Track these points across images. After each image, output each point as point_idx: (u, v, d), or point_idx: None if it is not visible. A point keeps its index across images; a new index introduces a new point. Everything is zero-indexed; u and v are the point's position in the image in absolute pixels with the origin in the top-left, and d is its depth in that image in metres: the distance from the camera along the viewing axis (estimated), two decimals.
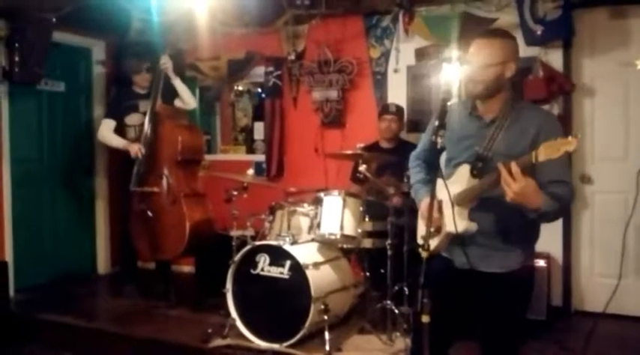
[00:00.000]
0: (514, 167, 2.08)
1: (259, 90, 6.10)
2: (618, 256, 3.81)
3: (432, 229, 2.28)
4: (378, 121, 4.78)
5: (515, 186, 2.08)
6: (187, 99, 5.12)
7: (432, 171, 2.68)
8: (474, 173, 2.33)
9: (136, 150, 4.86)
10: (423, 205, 2.52)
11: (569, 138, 2.00)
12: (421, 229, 2.62)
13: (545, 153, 2.03)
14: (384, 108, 4.80)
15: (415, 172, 2.77)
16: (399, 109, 4.76)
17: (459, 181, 2.38)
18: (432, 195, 2.21)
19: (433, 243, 2.41)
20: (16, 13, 4.95)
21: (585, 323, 4.11)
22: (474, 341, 2.52)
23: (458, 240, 2.38)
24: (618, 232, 4.03)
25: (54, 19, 5.05)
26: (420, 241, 2.58)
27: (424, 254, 2.10)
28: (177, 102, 5.15)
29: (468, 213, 2.35)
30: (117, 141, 5.06)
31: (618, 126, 4.55)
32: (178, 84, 5.07)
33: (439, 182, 2.30)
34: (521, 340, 2.58)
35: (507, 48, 2.36)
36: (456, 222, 2.29)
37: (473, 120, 2.44)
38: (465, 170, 2.38)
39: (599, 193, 4.64)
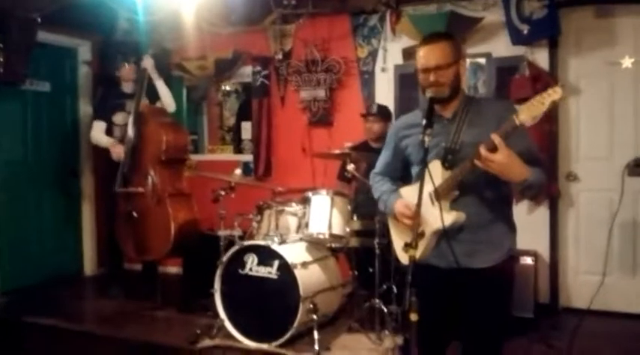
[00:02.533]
0: (496, 138, 2.10)
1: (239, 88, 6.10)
2: (603, 254, 3.84)
3: (418, 231, 2.25)
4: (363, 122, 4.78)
5: (499, 156, 2.11)
6: (167, 101, 5.10)
7: (397, 182, 2.69)
8: (446, 165, 2.35)
9: (117, 152, 4.85)
10: (399, 205, 2.49)
11: (553, 88, 2.01)
12: (398, 243, 2.61)
13: (527, 112, 2.05)
14: (367, 110, 4.78)
15: (379, 185, 2.74)
16: (380, 110, 4.71)
17: (433, 178, 2.34)
18: (421, 190, 2.19)
19: (421, 246, 2.39)
20: (0, 12, 4.90)
21: (572, 320, 4.14)
22: (456, 339, 2.54)
23: (443, 238, 2.37)
24: (603, 230, 4.07)
25: (39, 19, 5.00)
26: (399, 251, 2.58)
27: (412, 251, 2.09)
28: (159, 104, 5.14)
29: (450, 205, 2.36)
30: (105, 141, 5.05)
31: (604, 125, 4.58)
32: (160, 85, 5.05)
33: (406, 193, 2.36)
34: (506, 335, 2.59)
35: (454, 47, 2.41)
36: (439, 218, 2.29)
37: (434, 122, 2.41)
38: (436, 165, 2.37)
39: (585, 191, 4.67)
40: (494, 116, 2.33)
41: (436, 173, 2.34)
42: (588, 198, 4.66)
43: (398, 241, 2.63)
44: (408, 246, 2.11)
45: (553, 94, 2.01)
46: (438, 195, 2.32)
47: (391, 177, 2.73)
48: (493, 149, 2.12)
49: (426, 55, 2.38)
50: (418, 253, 2.20)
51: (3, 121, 5.31)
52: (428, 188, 2.30)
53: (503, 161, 2.12)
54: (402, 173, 2.69)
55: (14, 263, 5.33)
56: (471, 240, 2.38)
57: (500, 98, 4.47)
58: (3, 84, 5.11)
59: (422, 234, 2.33)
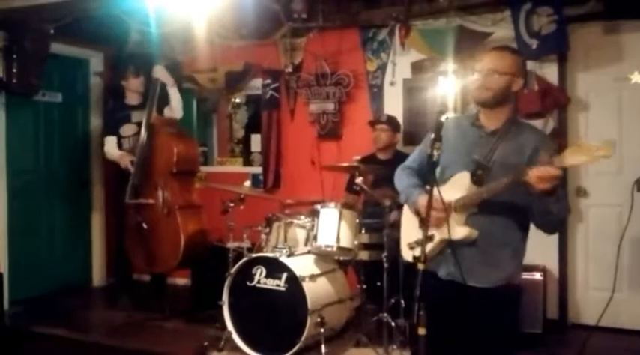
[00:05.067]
0: (543, 172, 2.09)
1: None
2: (612, 269, 3.81)
3: (427, 234, 2.25)
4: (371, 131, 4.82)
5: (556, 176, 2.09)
6: (177, 107, 5.12)
7: (425, 180, 2.63)
8: (474, 179, 2.36)
9: (126, 162, 4.87)
10: (422, 201, 2.45)
11: (603, 144, 2.00)
12: (405, 238, 2.62)
13: (572, 158, 2.04)
14: (376, 118, 4.84)
15: (405, 177, 2.71)
16: (390, 119, 4.76)
17: (457, 188, 2.39)
18: (430, 199, 2.22)
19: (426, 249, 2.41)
20: (15, 23, 4.97)
21: (580, 336, 4.11)
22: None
23: (449, 250, 2.39)
24: (613, 245, 4.04)
25: (52, 30, 5.07)
26: (404, 248, 2.59)
27: (420, 266, 2.10)
28: (166, 112, 5.15)
29: (465, 220, 2.37)
30: (116, 155, 5.07)
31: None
32: (174, 92, 5.08)
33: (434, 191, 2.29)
34: (511, 353, 2.57)
35: (517, 63, 2.45)
36: (452, 228, 2.30)
37: (474, 130, 2.48)
38: (463, 177, 2.39)
39: (594, 207, 4.66)
40: (531, 144, 2.37)
41: (463, 184, 2.38)
42: (597, 213, 4.64)
43: (405, 237, 2.65)
44: (416, 260, 2.13)
45: (598, 151, 1.99)
46: (459, 206, 2.34)
47: (418, 172, 2.70)
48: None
49: (485, 59, 2.44)
50: (413, 254, 2.20)
51: (16, 131, 5.37)
52: (450, 195, 2.33)
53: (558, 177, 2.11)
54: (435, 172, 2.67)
55: (24, 272, 5.37)
56: (474, 259, 2.38)
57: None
58: (16, 94, 5.18)
59: (430, 238, 2.34)
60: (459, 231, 2.34)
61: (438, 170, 2.52)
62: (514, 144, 2.38)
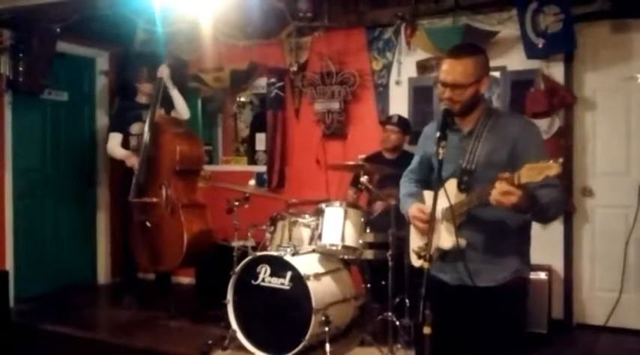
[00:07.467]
0: (505, 187, 2.05)
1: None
2: (619, 270, 3.80)
3: (427, 240, 2.23)
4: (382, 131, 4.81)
5: (514, 199, 2.06)
6: (181, 109, 5.14)
7: (424, 185, 2.65)
8: (461, 187, 2.33)
9: (133, 162, 4.88)
10: (414, 209, 2.48)
11: (551, 162, 1.97)
12: (415, 240, 2.61)
13: (527, 175, 2.01)
14: (387, 119, 4.82)
15: (404, 186, 2.74)
16: (400, 121, 4.75)
17: (446, 196, 2.29)
18: (434, 205, 2.19)
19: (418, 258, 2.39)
20: (22, 22, 4.99)
21: (586, 337, 4.10)
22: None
23: (451, 256, 2.37)
24: (619, 246, 4.03)
25: (58, 29, 5.09)
26: (412, 254, 2.58)
27: (426, 264, 2.08)
28: (174, 113, 5.18)
29: (455, 229, 2.31)
30: (121, 154, 5.08)
31: (620, 140, 4.54)
32: (175, 94, 5.09)
33: (430, 196, 2.27)
34: (520, 353, 2.55)
35: (479, 64, 2.34)
36: (443, 238, 2.30)
37: (452, 133, 2.40)
38: (452, 184, 2.34)
39: (601, 207, 4.63)
40: (512, 134, 2.32)
41: (451, 193, 2.31)
42: (604, 213, 4.61)
43: (413, 243, 2.62)
44: (421, 258, 2.11)
45: (549, 169, 1.96)
46: (449, 215, 2.30)
47: (417, 179, 2.71)
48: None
49: (447, 70, 2.33)
50: (420, 263, 2.19)
51: (22, 130, 5.39)
52: (442, 203, 2.27)
53: (516, 203, 2.06)
54: (428, 177, 2.64)
55: (29, 270, 5.39)
56: (477, 260, 2.36)
57: (519, 114, 4.38)
58: (23, 93, 5.20)
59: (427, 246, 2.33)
60: (448, 240, 2.31)
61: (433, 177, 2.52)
62: (494, 140, 2.33)
